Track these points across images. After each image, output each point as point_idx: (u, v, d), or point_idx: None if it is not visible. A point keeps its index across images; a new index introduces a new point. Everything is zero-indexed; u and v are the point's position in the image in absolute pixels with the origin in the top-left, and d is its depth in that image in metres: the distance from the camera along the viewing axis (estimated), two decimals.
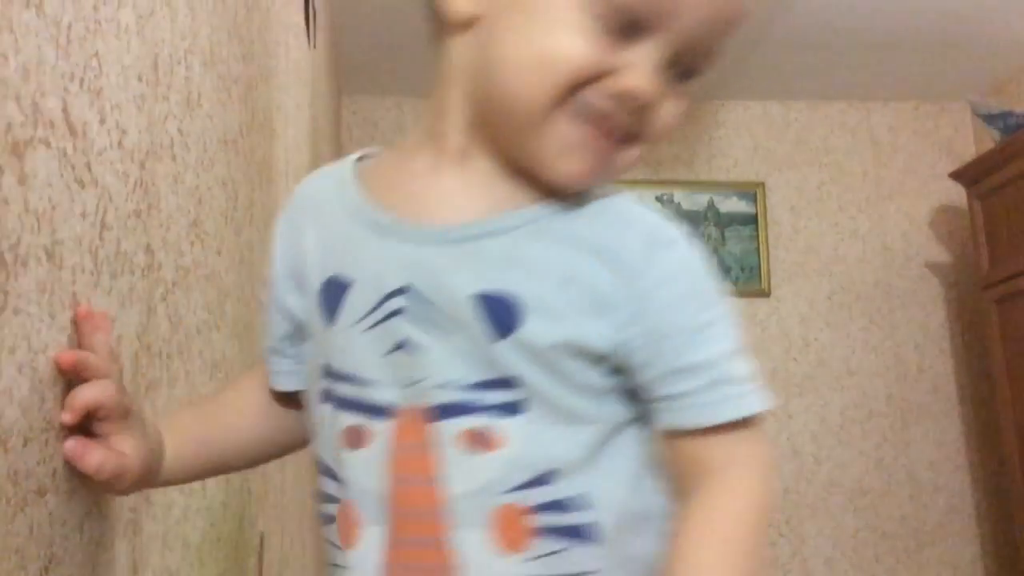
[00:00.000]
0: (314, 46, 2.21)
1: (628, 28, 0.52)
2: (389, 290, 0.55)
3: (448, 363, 0.53)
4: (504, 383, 0.53)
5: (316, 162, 2.27)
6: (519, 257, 0.54)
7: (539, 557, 0.53)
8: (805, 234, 3.79)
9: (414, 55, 3.64)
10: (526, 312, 0.53)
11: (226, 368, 0.92)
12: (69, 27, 0.46)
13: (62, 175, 0.46)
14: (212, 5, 0.86)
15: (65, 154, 0.46)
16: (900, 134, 3.90)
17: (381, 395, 0.55)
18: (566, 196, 0.55)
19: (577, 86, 0.52)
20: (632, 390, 0.57)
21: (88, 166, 0.49)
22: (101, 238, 0.52)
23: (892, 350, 3.68)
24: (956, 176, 3.43)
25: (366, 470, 0.55)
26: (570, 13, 0.52)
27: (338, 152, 3.81)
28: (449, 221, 0.55)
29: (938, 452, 3.60)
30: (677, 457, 0.57)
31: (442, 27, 0.58)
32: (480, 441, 0.53)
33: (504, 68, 0.53)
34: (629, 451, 0.57)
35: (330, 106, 3.11)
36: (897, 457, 3.59)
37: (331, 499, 0.57)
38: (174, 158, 0.70)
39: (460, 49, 0.57)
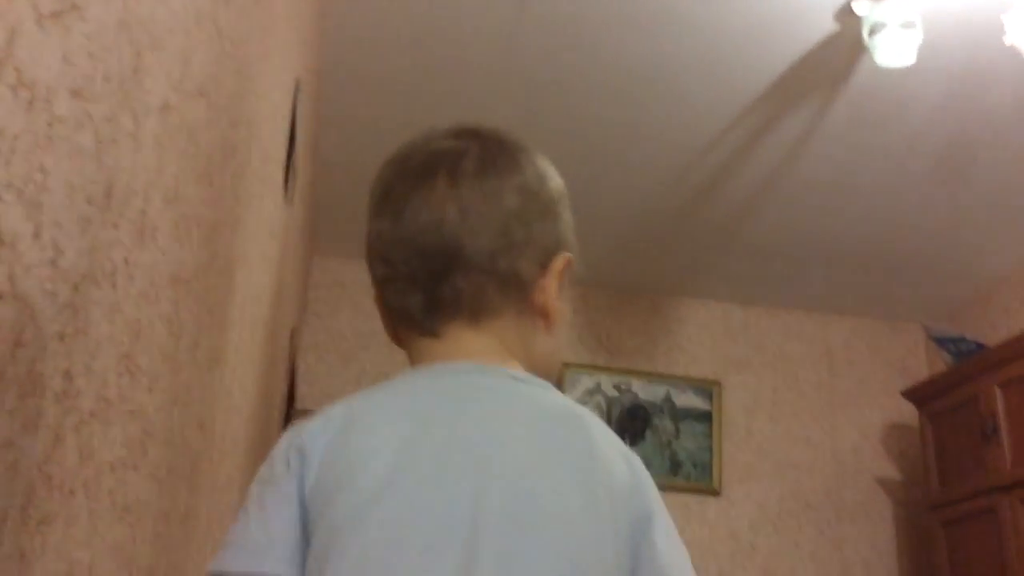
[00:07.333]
0: (290, 202, 2.25)
1: None
2: None
3: None
4: None
5: (276, 316, 2.26)
6: None
7: None
8: (759, 436, 3.78)
9: None
10: None
11: (139, 512, 0.87)
12: (15, 137, 0.46)
13: None
14: (184, 145, 0.88)
15: None
16: (854, 348, 3.99)
17: None
18: None
19: None
20: None
21: (11, 278, 0.48)
22: (13, 355, 0.50)
23: (839, 564, 3.60)
24: (908, 395, 3.49)
25: None
26: None
27: (302, 309, 3.82)
28: None
29: None
30: None
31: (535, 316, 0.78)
32: None
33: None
34: None
35: (300, 264, 3.13)
36: None
37: None
38: (114, 286, 0.69)
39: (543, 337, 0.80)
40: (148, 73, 0.70)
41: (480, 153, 0.78)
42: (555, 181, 0.81)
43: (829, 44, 2.50)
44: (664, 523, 0.70)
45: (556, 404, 0.73)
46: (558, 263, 0.77)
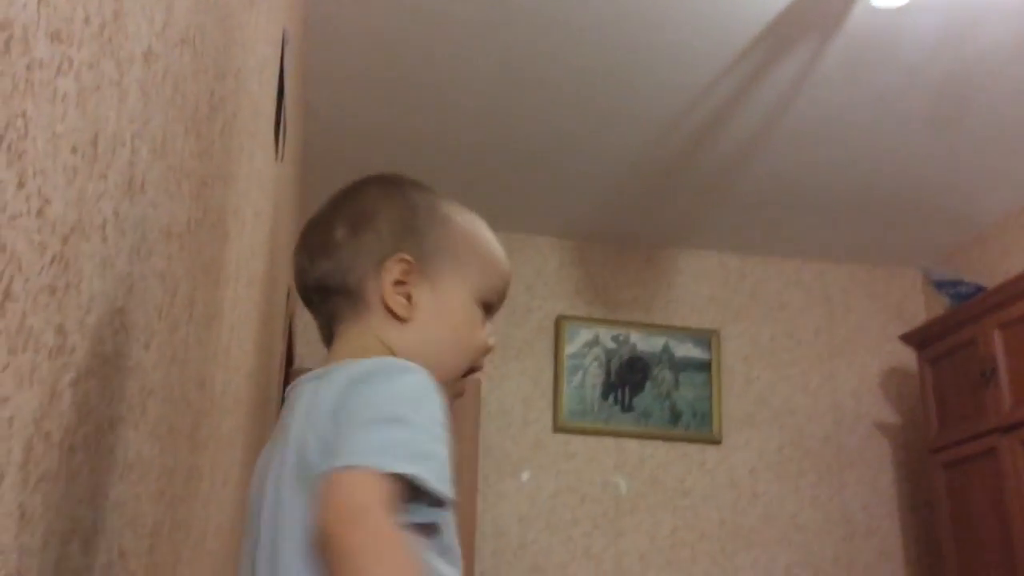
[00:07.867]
0: (281, 159, 2.22)
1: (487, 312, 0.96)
2: None
3: None
4: None
5: (272, 274, 2.25)
6: None
7: None
8: (757, 384, 3.79)
9: None
10: None
11: (141, 470, 0.87)
12: None
13: None
14: (170, 95, 0.85)
15: None
16: (852, 295, 3.98)
17: None
18: None
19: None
20: None
21: None
22: (2, 308, 0.48)
23: (839, 509, 3.63)
24: (906, 339, 3.49)
25: None
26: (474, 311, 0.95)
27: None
28: None
29: None
30: None
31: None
32: None
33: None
34: None
35: (293, 221, 3.11)
36: None
37: None
38: (105, 240, 0.67)
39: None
40: (130, 18, 0.68)
41: (331, 206, 1.00)
42: (397, 201, 0.98)
43: None
44: (354, 398, 0.77)
45: (313, 387, 0.86)
46: (387, 266, 0.93)
